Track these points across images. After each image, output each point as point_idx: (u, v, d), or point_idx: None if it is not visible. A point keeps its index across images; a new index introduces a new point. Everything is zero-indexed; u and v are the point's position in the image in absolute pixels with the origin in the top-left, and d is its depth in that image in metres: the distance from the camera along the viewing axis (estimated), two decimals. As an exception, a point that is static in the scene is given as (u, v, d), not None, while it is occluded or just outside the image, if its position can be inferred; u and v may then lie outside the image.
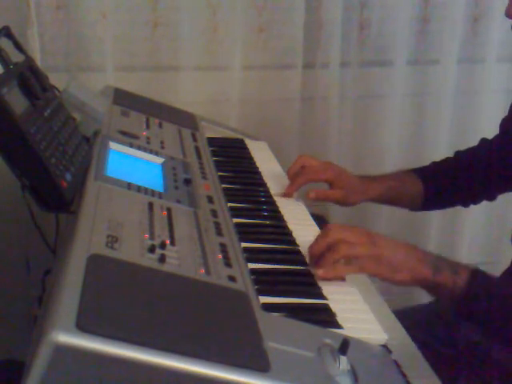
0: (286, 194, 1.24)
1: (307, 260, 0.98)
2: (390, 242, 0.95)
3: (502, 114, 1.31)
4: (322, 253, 0.94)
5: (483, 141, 1.35)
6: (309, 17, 1.73)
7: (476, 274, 0.93)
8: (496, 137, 1.32)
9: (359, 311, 0.88)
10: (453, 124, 1.92)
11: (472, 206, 1.40)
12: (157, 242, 0.80)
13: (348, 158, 1.86)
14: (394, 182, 1.32)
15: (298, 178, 1.25)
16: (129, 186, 0.95)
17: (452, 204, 1.42)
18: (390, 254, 0.93)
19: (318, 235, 0.97)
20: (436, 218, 2.00)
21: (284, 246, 1.04)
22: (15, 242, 1.61)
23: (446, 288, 0.92)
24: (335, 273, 0.93)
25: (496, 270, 1.26)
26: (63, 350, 0.56)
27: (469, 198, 1.36)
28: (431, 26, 1.85)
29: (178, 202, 0.97)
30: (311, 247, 0.96)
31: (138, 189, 0.95)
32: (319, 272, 0.93)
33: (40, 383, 0.57)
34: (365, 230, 0.96)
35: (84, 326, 0.58)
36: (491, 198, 1.35)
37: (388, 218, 1.91)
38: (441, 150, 1.91)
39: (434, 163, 1.38)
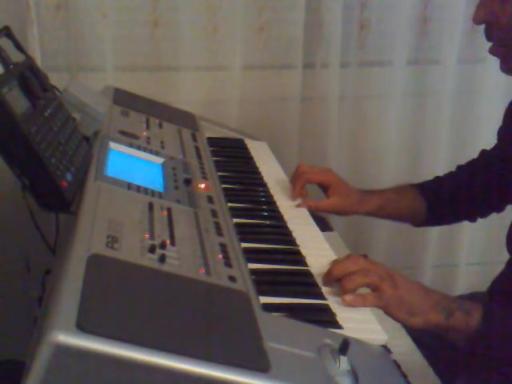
0: (292, 200, 1.23)
1: (319, 280, 0.93)
2: (408, 284, 0.92)
3: (502, 114, 1.31)
4: (343, 275, 0.90)
5: (483, 152, 1.34)
6: (309, 17, 1.73)
7: (489, 314, 0.91)
8: (495, 147, 1.31)
9: (359, 311, 0.88)
10: (453, 124, 1.92)
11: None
12: (157, 241, 0.80)
13: (348, 158, 1.86)
14: (394, 194, 1.30)
15: (296, 181, 1.25)
16: (129, 185, 0.95)
17: (457, 219, 1.39)
18: (409, 299, 0.90)
19: (342, 259, 0.93)
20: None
21: (284, 246, 1.04)
22: (15, 242, 1.61)
23: (458, 331, 0.91)
24: (364, 303, 0.89)
25: (495, 270, 1.26)
26: (63, 350, 0.56)
27: (474, 211, 1.34)
28: (431, 25, 1.84)
29: (178, 201, 0.97)
30: (336, 266, 0.92)
31: (138, 189, 0.95)
32: (347, 298, 0.88)
33: (40, 383, 0.57)
34: (384, 267, 0.93)
35: (84, 326, 0.58)
36: (499, 209, 1.32)
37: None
38: (440, 150, 1.91)
39: (436, 178, 1.36)
